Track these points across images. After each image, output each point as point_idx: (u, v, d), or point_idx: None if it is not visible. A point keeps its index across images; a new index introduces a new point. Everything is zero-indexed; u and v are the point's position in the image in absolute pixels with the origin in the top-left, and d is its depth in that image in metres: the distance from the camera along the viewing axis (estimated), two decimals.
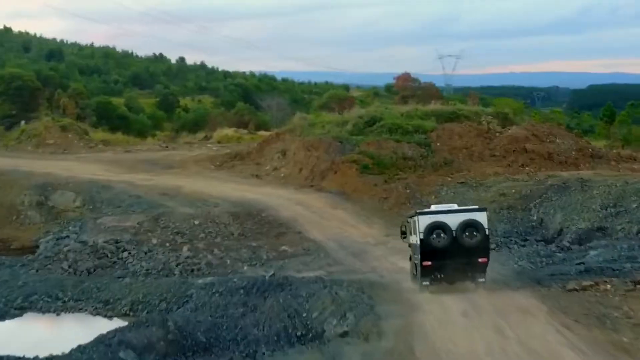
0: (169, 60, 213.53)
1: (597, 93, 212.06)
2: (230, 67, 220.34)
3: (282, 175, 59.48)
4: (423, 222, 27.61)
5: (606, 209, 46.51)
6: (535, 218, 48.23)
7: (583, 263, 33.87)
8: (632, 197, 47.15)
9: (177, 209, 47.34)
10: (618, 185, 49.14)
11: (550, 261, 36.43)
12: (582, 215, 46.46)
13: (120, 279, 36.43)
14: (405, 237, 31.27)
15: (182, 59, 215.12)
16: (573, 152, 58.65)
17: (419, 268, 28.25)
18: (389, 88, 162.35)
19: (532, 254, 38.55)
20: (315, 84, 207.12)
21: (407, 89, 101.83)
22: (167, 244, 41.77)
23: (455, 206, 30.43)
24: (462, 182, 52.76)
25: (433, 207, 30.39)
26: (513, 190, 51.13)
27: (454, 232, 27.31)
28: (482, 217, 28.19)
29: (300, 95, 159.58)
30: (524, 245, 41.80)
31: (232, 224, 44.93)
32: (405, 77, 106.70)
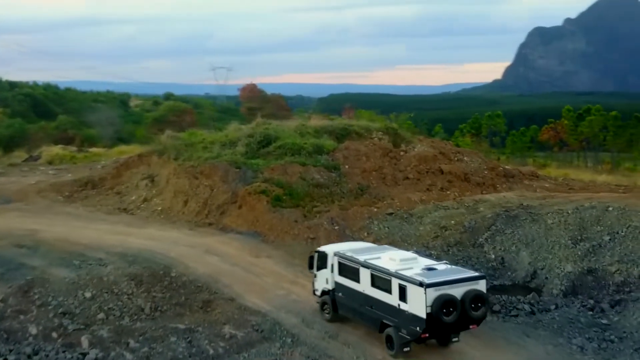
0: None
1: (335, 101, 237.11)
2: (15, 78, 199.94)
3: (159, 209, 44.49)
4: (431, 295, 23.02)
5: (578, 244, 36.75)
6: (493, 257, 37.48)
7: None
8: (594, 226, 37.76)
9: (51, 272, 31.27)
10: (570, 212, 39.55)
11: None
12: (555, 254, 36.31)
13: None
14: (312, 269, 29.36)
15: None
16: (486, 172, 48.79)
17: (410, 337, 24.16)
18: (167, 97, 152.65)
19: (574, 323, 27.43)
20: (98, 92, 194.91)
21: (254, 100, 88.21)
22: (55, 335, 26.16)
23: (416, 257, 27.07)
24: (390, 213, 40.91)
25: (390, 255, 26.53)
26: (452, 222, 40.15)
27: (462, 305, 23.57)
28: (483, 286, 24.79)
29: (87, 104, 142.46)
30: (534, 305, 30.56)
31: (137, 294, 29.80)
32: (251, 88, 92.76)
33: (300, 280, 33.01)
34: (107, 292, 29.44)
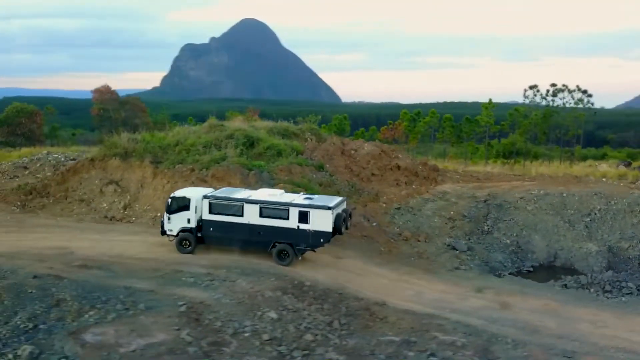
0: None
1: (8, 103, 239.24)
2: None
3: (158, 215, 36.73)
4: (334, 215, 28.37)
5: (573, 226, 38.31)
6: (508, 242, 37.44)
7: None
8: (565, 210, 40.13)
9: (188, 295, 24.04)
10: (535, 200, 41.09)
11: None
12: (563, 235, 37.61)
13: None
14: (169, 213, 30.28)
15: None
16: (420, 167, 48.18)
17: (310, 248, 29.04)
18: None
19: None
20: None
21: (109, 102, 75.77)
22: None
23: (283, 191, 31.33)
24: (398, 208, 38.76)
25: (268, 192, 30.55)
26: (452, 212, 39.45)
27: (345, 219, 29.63)
28: (345, 205, 30.77)
29: None
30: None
31: (307, 309, 24.02)
32: (107, 90, 79.55)
33: (406, 278, 29.67)
34: (283, 310, 23.57)
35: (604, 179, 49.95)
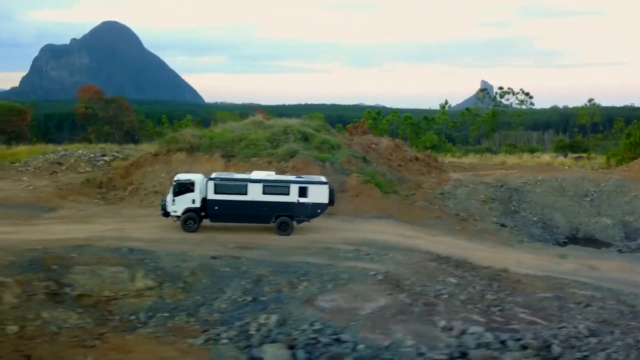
0: None
1: None
2: None
3: None
4: (330, 189, 31.62)
5: (580, 204, 42.99)
6: (535, 219, 41.37)
7: None
8: (566, 192, 44.52)
9: (361, 266, 25.63)
10: (538, 183, 45.52)
11: None
12: (578, 212, 41.97)
13: None
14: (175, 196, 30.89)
15: None
16: (427, 158, 51.42)
17: (307, 218, 31.59)
18: None
19: None
20: None
21: (95, 101, 71.69)
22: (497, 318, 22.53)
23: (274, 172, 33.59)
24: (441, 193, 41.73)
25: (264, 173, 32.49)
26: (482, 196, 42.82)
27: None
28: None
29: None
30: None
31: (461, 275, 26.57)
32: (95, 90, 74.88)
33: (496, 250, 32.51)
34: (455, 276, 25.81)
35: (567, 167, 55.72)
